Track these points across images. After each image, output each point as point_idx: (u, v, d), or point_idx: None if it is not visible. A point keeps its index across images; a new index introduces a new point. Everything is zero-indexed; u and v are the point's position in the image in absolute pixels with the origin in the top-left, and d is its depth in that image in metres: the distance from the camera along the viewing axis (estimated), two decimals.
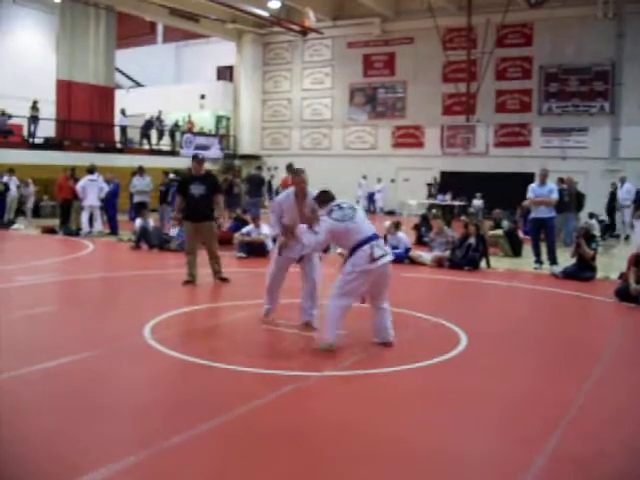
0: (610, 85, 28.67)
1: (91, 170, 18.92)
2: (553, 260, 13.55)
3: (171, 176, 19.53)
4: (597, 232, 13.82)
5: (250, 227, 15.03)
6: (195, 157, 11.45)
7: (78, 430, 4.77)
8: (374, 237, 7.03)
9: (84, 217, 18.58)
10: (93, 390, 5.65)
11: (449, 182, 30.55)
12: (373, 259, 6.85)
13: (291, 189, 8.03)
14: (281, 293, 8.29)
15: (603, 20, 28.02)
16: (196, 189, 10.73)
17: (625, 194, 20.02)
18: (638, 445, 4.83)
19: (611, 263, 14.34)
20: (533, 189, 13.72)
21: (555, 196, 13.80)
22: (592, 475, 4.27)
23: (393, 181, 33.06)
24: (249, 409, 5.19)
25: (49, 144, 28.05)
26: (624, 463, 4.50)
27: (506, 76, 30.91)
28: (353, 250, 6.94)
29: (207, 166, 35.20)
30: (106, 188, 18.99)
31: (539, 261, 13.79)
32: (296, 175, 8.07)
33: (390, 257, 7.18)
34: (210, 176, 11.44)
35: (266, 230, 13.99)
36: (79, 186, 18.53)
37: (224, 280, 11.02)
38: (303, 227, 7.41)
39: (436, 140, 31.33)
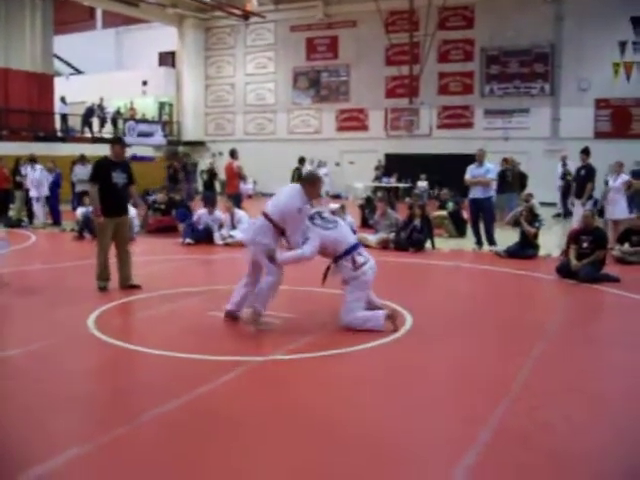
0: (550, 67, 29.05)
1: (32, 160, 18.65)
2: (491, 241, 13.73)
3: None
4: (539, 211, 14.04)
5: (202, 211, 14.92)
6: (119, 140, 10.30)
7: (19, 424, 4.70)
8: (357, 246, 7.36)
9: (38, 207, 18.51)
10: (35, 383, 5.57)
11: (394, 164, 30.71)
12: (357, 267, 7.17)
13: (297, 187, 7.27)
14: None
15: (542, 3, 28.36)
16: (119, 177, 9.41)
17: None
18: (579, 418, 4.93)
19: (553, 240, 14.59)
20: (470, 170, 13.84)
21: (491, 176, 13.98)
22: (535, 449, 4.35)
23: (338, 164, 33.08)
24: (193, 396, 5.17)
25: None
26: (566, 436, 4.59)
27: (448, 58, 31.09)
28: (338, 258, 7.21)
29: (151, 153, 34.84)
30: (49, 178, 18.73)
31: (479, 242, 13.95)
32: (314, 184, 7.31)
33: (373, 262, 7.45)
34: (128, 163, 10.11)
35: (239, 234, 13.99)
36: (33, 177, 18.35)
37: (136, 287, 9.50)
38: (283, 253, 7.20)
39: (380, 123, 31.47)
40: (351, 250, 7.21)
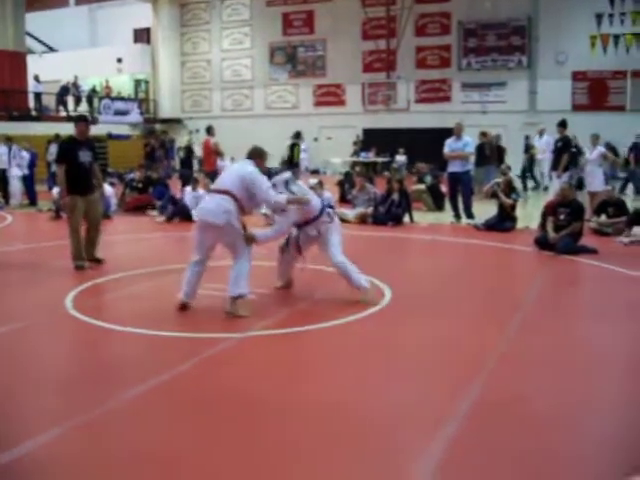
0: (527, 40, 29.07)
1: (8, 139, 18.53)
2: (469, 215, 13.78)
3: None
4: (517, 184, 14.13)
5: (188, 189, 14.90)
6: (83, 118, 10.23)
7: (1, 404, 4.68)
8: (326, 206, 7.62)
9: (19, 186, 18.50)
10: (12, 364, 5.54)
11: (372, 139, 30.68)
12: (332, 218, 7.51)
13: (248, 161, 7.19)
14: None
15: None
16: (85, 156, 9.34)
17: (544, 145, 20.40)
18: (553, 388, 4.98)
19: (531, 213, 14.65)
20: (448, 144, 13.84)
21: (469, 149, 14.01)
22: (512, 418, 4.39)
23: (316, 140, 32.96)
24: (171, 376, 5.15)
25: None
26: (540, 406, 4.64)
27: (426, 32, 31.00)
28: (313, 219, 7.34)
29: (127, 131, 34.54)
30: (26, 157, 18.59)
31: (457, 215, 13.98)
32: (262, 157, 7.31)
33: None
34: (92, 141, 10.09)
35: None
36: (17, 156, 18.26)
37: (99, 261, 9.59)
38: (259, 231, 7.21)
39: (357, 98, 31.40)
40: (324, 208, 7.46)
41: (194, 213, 14.28)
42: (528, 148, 22.43)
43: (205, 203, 7.01)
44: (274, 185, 7.12)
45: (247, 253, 6.88)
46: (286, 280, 7.99)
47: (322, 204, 7.52)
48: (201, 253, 7.01)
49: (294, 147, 18.45)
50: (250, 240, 6.89)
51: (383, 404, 4.68)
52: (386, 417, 4.49)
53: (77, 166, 9.27)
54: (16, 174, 18.39)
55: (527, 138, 22.74)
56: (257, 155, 7.18)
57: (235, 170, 7.12)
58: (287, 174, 7.51)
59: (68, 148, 9.43)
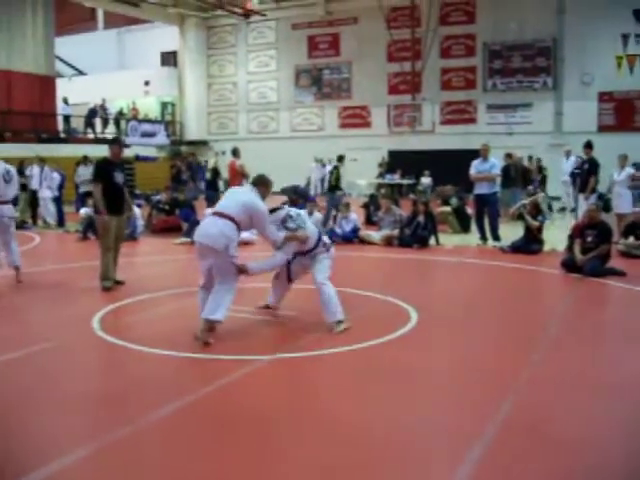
0: (552, 61, 29.01)
1: (41, 161, 18.92)
2: (496, 237, 13.70)
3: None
4: (545, 205, 14.04)
5: (208, 210, 14.92)
6: (117, 141, 10.50)
7: (28, 424, 4.70)
8: (321, 234, 7.54)
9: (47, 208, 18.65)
10: (42, 384, 5.57)
11: (397, 161, 30.68)
12: (327, 247, 7.46)
13: (250, 189, 7.21)
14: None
15: None
16: (119, 177, 9.53)
17: (570, 167, 20.29)
18: (581, 410, 4.93)
19: (558, 235, 14.54)
20: (475, 166, 13.80)
21: (496, 171, 13.94)
22: (540, 441, 4.34)
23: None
24: (197, 397, 5.16)
25: None
26: (569, 429, 4.59)
27: (451, 54, 31.06)
28: (309, 251, 7.32)
29: (154, 153, 34.83)
30: (57, 179, 18.85)
31: (483, 238, 13.91)
32: (266, 186, 7.29)
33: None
34: (124, 163, 10.32)
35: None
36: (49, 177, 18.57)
37: (119, 283, 9.64)
38: (253, 263, 7.11)
39: (383, 119, 31.45)
40: (319, 238, 7.40)
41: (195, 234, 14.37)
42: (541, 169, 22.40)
43: (206, 226, 6.85)
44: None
45: (233, 281, 6.82)
46: (278, 302, 7.94)
47: (319, 235, 7.45)
48: (205, 276, 7.00)
49: (335, 170, 18.38)
50: (242, 271, 6.85)
51: (410, 426, 4.65)
52: (414, 439, 4.46)
53: (112, 186, 9.43)
54: (47, 195, 18.62)
55: (539, 160, 22.73)
56: (261, 184, 7.16)
57: (239, 196, 7.02)
58: (284, 211, 7.40)
59: (104, 168, 9.55)
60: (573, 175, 14.73)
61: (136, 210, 15.00)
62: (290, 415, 4.83)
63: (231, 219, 6.68)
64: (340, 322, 7.11)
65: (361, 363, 6.13)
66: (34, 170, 18.82)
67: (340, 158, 18.69)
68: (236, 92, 36.90)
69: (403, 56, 30.72)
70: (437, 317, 7.77)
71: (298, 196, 17.54)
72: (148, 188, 24.72)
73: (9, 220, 10.05)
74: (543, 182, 19.84)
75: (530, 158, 22.99)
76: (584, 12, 27.58)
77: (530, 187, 18.47)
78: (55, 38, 32.39)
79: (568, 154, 20.84)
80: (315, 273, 7.31)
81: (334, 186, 17.78)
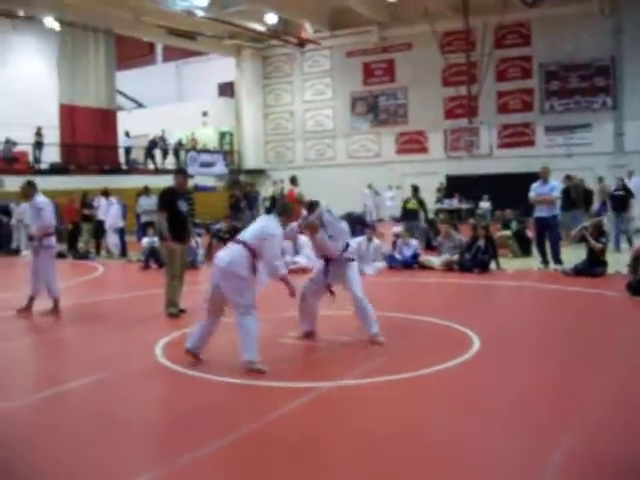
0: (611, 80, 28.61)
1: (105, 193, 19.32)
2: (557, 260, 13.47)
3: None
4: (607, 227, 13.80)
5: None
6: (182, 171, 10.79)
7: (93, 452, 4.76)
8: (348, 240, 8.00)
9: (112, 239, 19.04)
10: (106, 411, 5.65)
11: (455, 186, 30.48)
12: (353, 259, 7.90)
13: (273, 217, 7.37)
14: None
15: (600, 17, 28.00)
16: (183, 206, 9.74)
17: (634, 187, 19.91)
18: None
19: (622, 257, 14.25)
20: (535, 188, 13.64)
21: (556, 193, 13.74)
22: (608, 474, 4.23)
23: (399, 188, 32.95)
24: (259, 425, 5.16)
25: (54, 169, 28.16)
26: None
27: (506, 76, 30.90)
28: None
29: (212, 183, 35.23)
30: (120, 209, 19.26)
31: (545, 261, 13.70)
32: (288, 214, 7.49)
33: None
34: (190, 194, 10.57)
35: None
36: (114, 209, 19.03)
37: (182, 311, 9.69)
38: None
39: (440, 144, 31.37)
40: (347, 247, 7.83)
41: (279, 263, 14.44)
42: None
43: (222, 251, 7.06)
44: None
45: (249, 307, 6.80)
46: (310, 327, 8.00)
47: (346, 245, 7.78)
48: (208, 309, 7.05)
49: (411, 201, 18.25)
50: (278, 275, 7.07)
51: (473, 452, 4.57)
52: (476, 465, 4.39)
53: (176, 214, 9.62)
54: (112, 226, 18.98)
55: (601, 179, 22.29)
56: (284, 212, 7.33)
57: (258, 223, 7.20)
58: (320, 208, 7.77)
59: (169, 197, 9.74)
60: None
61: (196, 239, 15.22)
62: (355, 443, 4.79)
63: (244, 244, 6.83)
64: (376, 334, 7.54)
65: (422, 389, 6.07)
66: (100, 202, 19.27)
67: (416, 189, 18.53)
68: (292, 121, 37.23)
69: (458, 80, 30.68)
70: (500, 343, 7.65)
71: (355, 223, 17.55)
72: (207, 217, 25.00)
73: (53, 251, 10.36)
74: (588, 204, 19.35)
75: (600, 179, 22.49)
76: None
77: (594, 209, 18.14)
78: (116, 72, 33.26)
79: (631, 174, 20.47)
80: (351, 285, 7.65)
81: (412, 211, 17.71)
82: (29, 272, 10.15)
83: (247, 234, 7.00)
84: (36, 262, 10.06)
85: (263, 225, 7.04)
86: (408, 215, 17.89)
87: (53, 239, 10.27)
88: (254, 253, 6.80)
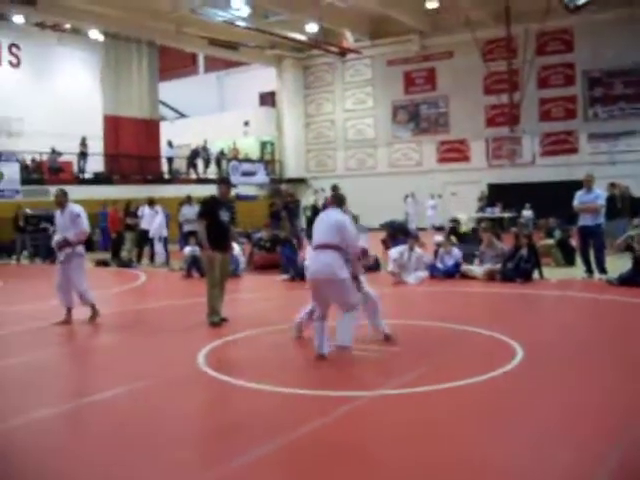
0: None
1: (150, 202, 19.60)
2: (602, 269, 13.25)
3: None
4: None
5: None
6: (225, 180, 10.83)
7: (138, 459, 4.80)
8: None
9: (158, 247, 19.27)
10: (150, 418, 5.69)
11: (497, 194, 30.29)
12: None
13: (337, 209, 7.88)
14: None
15: None
16: (225, 215, 9.75)
17: None
18: None
19: None
20: (579, 197, 13.45)
21: (601, 202, 13.51)
22: None
23: (440, 196, 32.86)
24: (300, 434, 5.15)
25: (99, 179, 28.60)
26: None
27: (549, 84, 30.65)
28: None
29: (254, 192, 35.43)
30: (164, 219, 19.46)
31: (589, 270, 13.49)
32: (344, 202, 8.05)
33: None
34: (232, 202, 10.56)
35: None
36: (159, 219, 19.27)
37: (224, 320, 9.72)
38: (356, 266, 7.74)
39: (481, 153, 31.18)
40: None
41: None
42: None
43: (312, 262, 7.40)
44: None
45: (355, 304, 7.24)
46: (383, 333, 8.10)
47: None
48: (321, 309, 7.38)
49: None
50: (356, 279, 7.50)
51: (517, 466, 4.52)
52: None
53: (217, 224, 9.64)
54: (157, 235, 19.18)
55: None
56: (342, 202, 7.72)
57: (327, 219, 7.43)
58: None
59: (210, 207, 9.79)
60: None
61: (237, 248, 15.27)
62: (393, 454, 4.77)
63: (328, 246, 7.10)
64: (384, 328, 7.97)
65: (464, 400, 6.00)
66: (145, 211, 19.50)
67: (481, 199, 18.43)
68: (334, 129, 37.32)
69: (500, 88, 30.48)
70: (544, 353, 7.55)
71: (397, 231, 17.52)
72: (248, 226, 25.16)
73: (83, 259, 10.40)
74: (634, 212, 19.01)
75: None
76: None
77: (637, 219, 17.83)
78: (158, 83, 33.68)
79: None
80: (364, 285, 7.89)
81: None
82: (56, 284, 10.15)
83: (324, 237, 7.29)
84: (65, 270, 10.05)
85: (332, 219, 7.32)
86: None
87: (82, 247, 10.35)
88: (340, 249, 7.12)
